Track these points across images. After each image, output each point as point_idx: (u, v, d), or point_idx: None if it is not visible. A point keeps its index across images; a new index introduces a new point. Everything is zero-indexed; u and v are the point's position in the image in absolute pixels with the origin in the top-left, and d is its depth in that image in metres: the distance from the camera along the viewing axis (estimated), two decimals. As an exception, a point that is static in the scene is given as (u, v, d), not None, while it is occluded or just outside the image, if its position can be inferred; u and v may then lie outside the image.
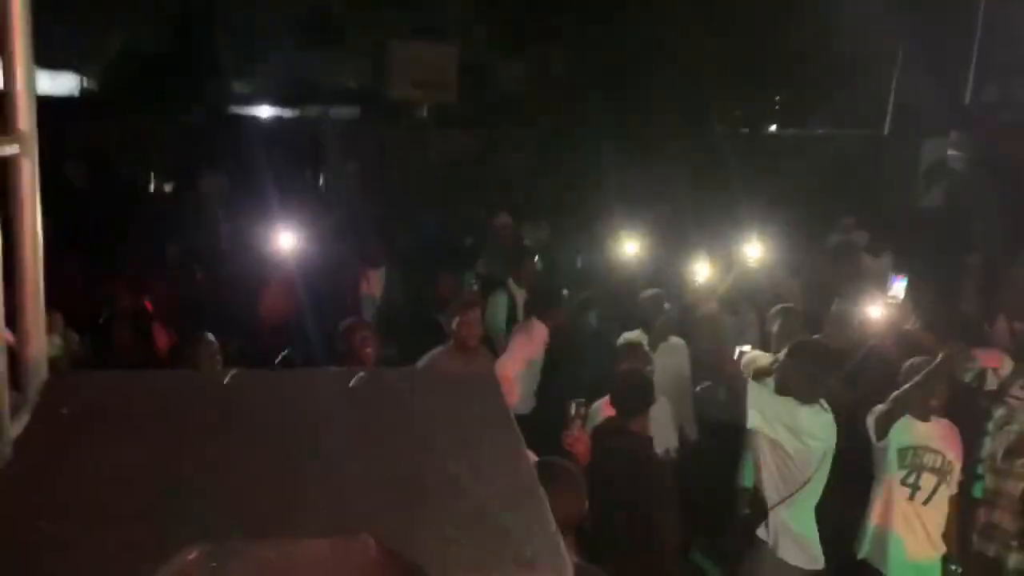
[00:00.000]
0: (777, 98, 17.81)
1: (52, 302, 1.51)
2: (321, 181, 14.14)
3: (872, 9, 18.57)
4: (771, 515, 3.71)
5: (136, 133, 14.23)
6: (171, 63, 17.71)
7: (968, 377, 4.13)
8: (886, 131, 22.22)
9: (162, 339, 5.66)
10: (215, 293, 6.12)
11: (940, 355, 3.54)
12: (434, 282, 6.34)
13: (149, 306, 5.94)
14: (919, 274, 7.99)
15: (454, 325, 4.77)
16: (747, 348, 5.19)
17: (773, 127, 17.85)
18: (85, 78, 18.05)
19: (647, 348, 4.66)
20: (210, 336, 4.46)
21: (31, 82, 1.44)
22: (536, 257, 6.72)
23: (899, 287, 4.43)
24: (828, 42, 16.89)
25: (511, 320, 6.07)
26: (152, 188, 13.85)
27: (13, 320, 1.41)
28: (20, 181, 1.42)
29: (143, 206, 10.91)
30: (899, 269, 4.81)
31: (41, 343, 1.47)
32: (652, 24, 15.06)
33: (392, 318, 6.15)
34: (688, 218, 9.97)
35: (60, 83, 17.27)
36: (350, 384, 1.45)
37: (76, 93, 17.84)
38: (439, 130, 15.25)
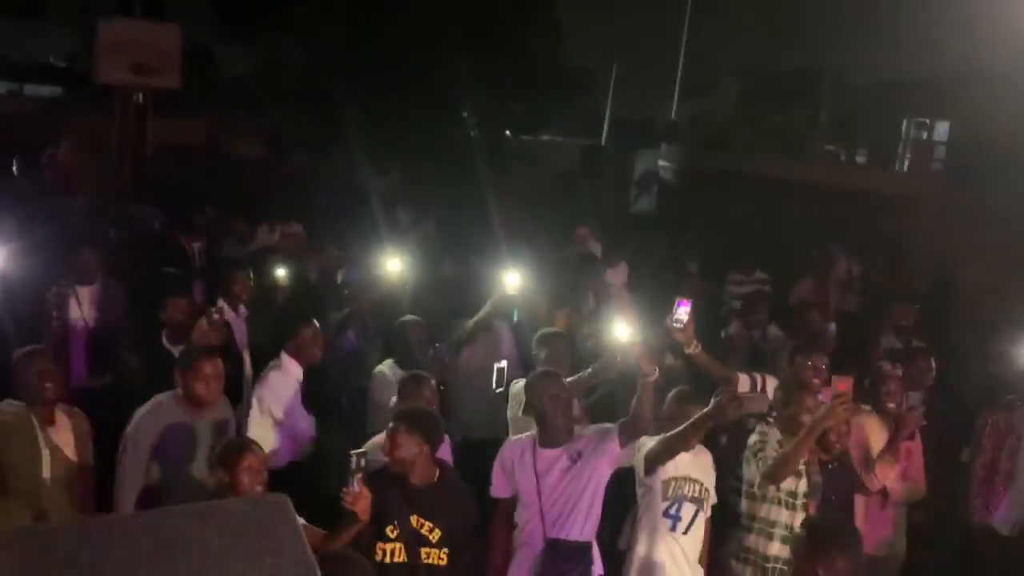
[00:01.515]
0: (510, 107, 18.35)
1: None
2: (15, 171, 12.32)
3: (592, 29, 19.83)
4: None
5: None
6: None
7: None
8: (603, 142, 23.84)
9: None
10: None
11: (712, 401, 3.65)
12: (159, 300, 5.44)
13: None
14: (642, 281, 8.52)
15: (186, 373, 4.05)
16: (503, 364, 5.11)
17: (507, 133, 18.38)
18: None
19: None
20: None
21: None
22: (252, 270, 6.01)
23: (683, 311, 4.44)
24: (555, 57, 17.67)
25: (228, 348, 5.41)
26: None
27: None
28: None
29: None
30: (681, 292, 4.87)
31: None
32: (390, 20, 14.82)
33: (110, 345, 5.32)
34: (439, 225, 9.86)
35: None
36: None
37: None
38: (159, 117, 13.91)
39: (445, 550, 3.47)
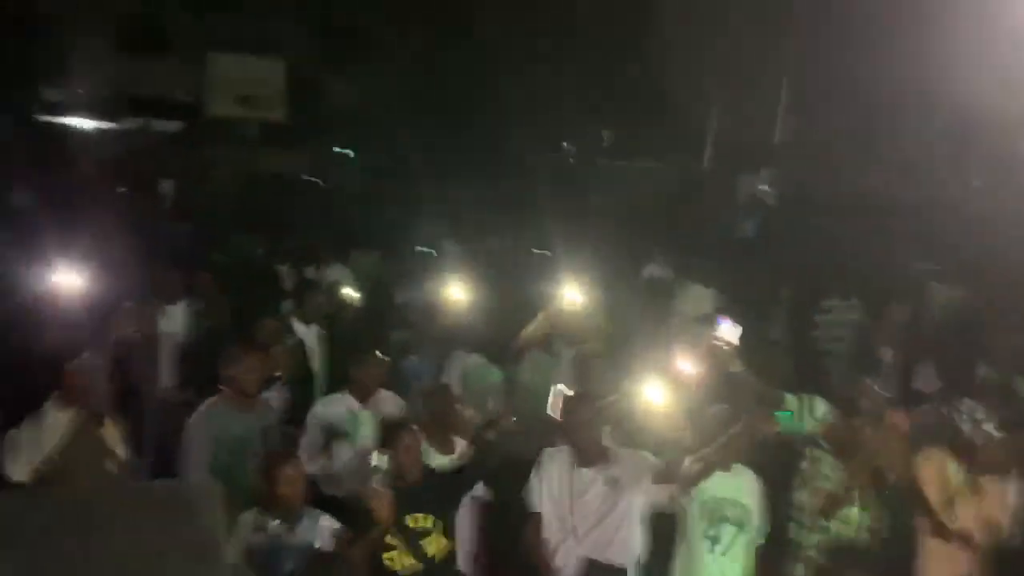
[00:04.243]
0: (605, 133, 18.37)
1: None
2: (135, 200, 13.20)
3: (693, 49, 19.60)
4: None
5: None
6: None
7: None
8: (705, 165, 23.46)
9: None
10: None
11: (744, 418, 3.57)
12: (248, 321, 5.73)
13: None
14: (735, 307, 8.30)
15: (231, 370, 4.32)
16: (562, 387, 5.08)
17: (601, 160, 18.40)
18: None
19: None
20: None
21: None
22: (336, 290, 6.27)
23: (726, 328, 4.33)
24: (652, 79, 17.60)
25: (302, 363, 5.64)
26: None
27: None
28: None
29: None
30: (724, 310, 4.72)
31: None
32: (486, 52, 15.13)
33: (198, 359, 5.62)
34: (521, 252, 9.96)
35: None
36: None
37: None
38: (265, 149, 14.62)
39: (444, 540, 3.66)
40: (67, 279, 5.24)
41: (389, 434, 3.79)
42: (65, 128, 17.76)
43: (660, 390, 3.77)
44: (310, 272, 8.15)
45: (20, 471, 3.86)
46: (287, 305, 7.04)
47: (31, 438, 4.00)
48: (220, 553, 1.25)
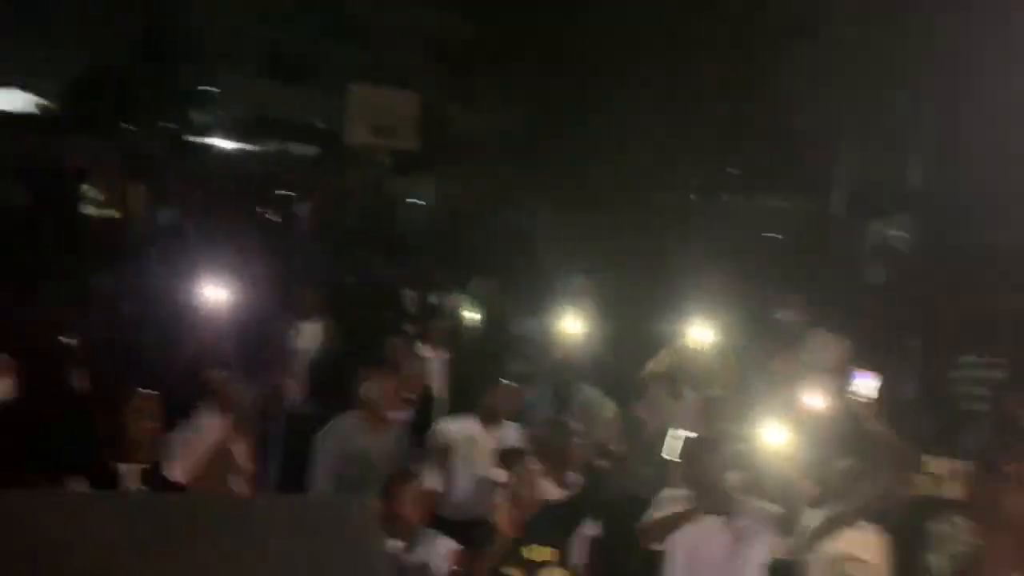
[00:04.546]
0: (729, 170, 18.11)
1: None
2: (273, 220, 13.88)
3: (824, 88, 19.09)
4: None
5: (84, 155, 13.89)
6: (128, 86, 17.38)
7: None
8: (834, 208, 22.69)
9: (82, 382, 5.33)
10: (137, 334, 5.81)
11: (883, 479, 3.45)
12: (374, 338, 5.93)
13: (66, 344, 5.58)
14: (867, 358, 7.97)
15: (363, 390, 4.48)
16: (688, 433, 5.01)
17: (723, 197, 18.12)
18: (34, 95, 17.40)
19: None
20: (146, 391, 4.14)
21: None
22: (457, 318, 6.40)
23: (863, 384, 4.18)
24: (780, 117, 17.26)
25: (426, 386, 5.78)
26: (95, 213, 13.45)
27: None
28: None
29: (76, 232, 10.54)
30: (857, 361, 4.57)
31: None
32: (607, 84, 15.22)
33: (327, 376, 5.84)
34: (641, 287, 9.89)
35: (6, 99, 16.66)
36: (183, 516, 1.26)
37: (23, 109, 17.14)
38: (397, 176, 15.12)
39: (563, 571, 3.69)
40: (211, 291, 5.55)
41: (508, 463, 3.84)
42: (212, 149, 18.93)
43: (784, 438, 3.66)
44: (433, 297, 8.35)
45: (177, 473, 4.09)
46: (410, 328, 7.24)
47: (184, 441, 4.24)
48: (381, 570, 1.29)
